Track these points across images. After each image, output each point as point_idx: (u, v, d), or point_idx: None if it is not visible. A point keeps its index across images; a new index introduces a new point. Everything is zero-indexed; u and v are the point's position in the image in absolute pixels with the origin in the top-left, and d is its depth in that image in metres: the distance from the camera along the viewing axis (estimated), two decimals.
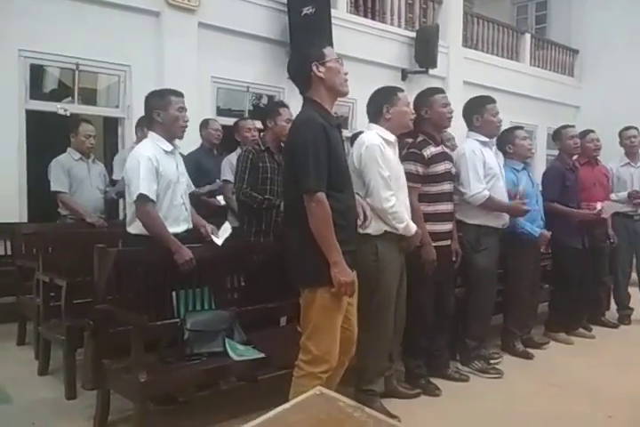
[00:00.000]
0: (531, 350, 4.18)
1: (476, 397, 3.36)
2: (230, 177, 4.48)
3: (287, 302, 3.27)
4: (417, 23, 8.90)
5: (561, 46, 11.65)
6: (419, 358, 3.47)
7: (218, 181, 4.77)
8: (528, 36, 10.98)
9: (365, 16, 8.14)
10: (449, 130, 3.94)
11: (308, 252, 2.34)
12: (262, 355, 2.88)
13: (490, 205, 3.67)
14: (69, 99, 5.88)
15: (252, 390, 3.26)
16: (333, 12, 7.08)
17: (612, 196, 5.15)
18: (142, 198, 2.96)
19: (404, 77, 8.46)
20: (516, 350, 4.15)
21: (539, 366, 3.98)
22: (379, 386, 3.07)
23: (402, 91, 3.12)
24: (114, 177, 5.01)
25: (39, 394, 3.26)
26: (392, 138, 3.03)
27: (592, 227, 4.68)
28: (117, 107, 5.98)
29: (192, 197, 3.44)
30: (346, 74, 2.54)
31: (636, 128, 5.36)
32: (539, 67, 11.08)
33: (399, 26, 8.61)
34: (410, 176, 3.19)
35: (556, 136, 4.68)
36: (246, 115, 6.74)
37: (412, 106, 3.21)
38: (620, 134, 5.44)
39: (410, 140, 3.55)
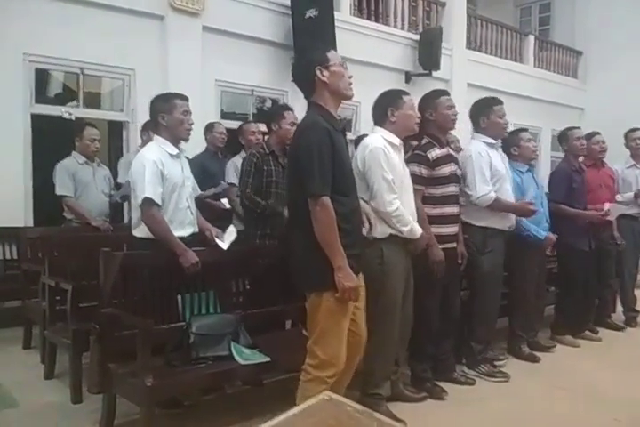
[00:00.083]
0: (537, 353, 4.16)
1: (482, 400, 3.35)
2: (235, 180, 4.49)
3: (292, 306, 3.27)
4: (420, 26, 8.91)
5: (565, 48, 11.64)
6: (424, 362, 3.45)
7: (223, 183, 4.77)
8: (532, 37, 10.97)
9: (369, 19, 8.16)
10: (453, 132, 3.93)
11: (313, 256, 2.34)
12: (268, 359, 2.87)
13: (497, 207, 3.66)
14: (74, 103, 5.90)
15: (257, 393, 3.26)
16: (337, 14, 7.09)
17: (618, 197, 5.13)
18: (147, 202, 2.97)
19: (407, 80, 8.46)
20: (523, 354, 4.14)
21: (545, 369, 3.96)
22: (385, 390, 3.06)
23: (407, 94, 3.12)
24: (119, 180, 5.02)
25: (45, 398, 3.26)
26: (397, 141, 3.02)
27: (598, 229, 4.66)
28: (122, 110, 6.00)
29: (197, 200, 3.45)
30: (350, 77, 2.54)
31: None
32: (542, 68, 11.06)
33: (402, 28, 8.62)
34: (414, 178, 3.18)
35: (562, 138, 4.66)
36: (250, 118, 6.76)
37: (416, 108, 3.20)
38: (626, 136, 5.42)
39: (415, 143, 3.55)
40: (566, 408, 3.27)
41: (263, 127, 4.44)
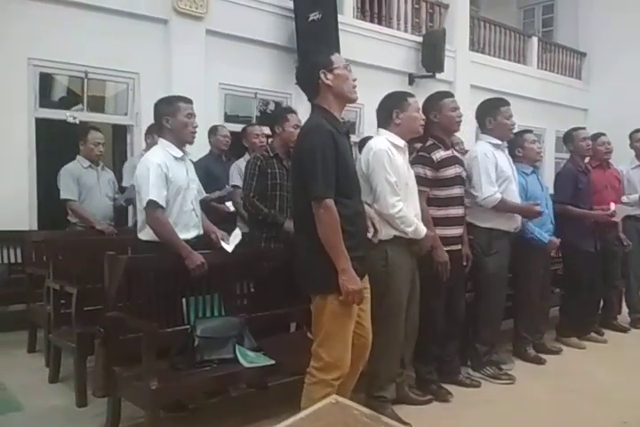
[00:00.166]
0: (542, 356, 4.15)
1: (487, 403, 3.33)
2: (239, 182, 4.49)
3: (297, 308, 3.27)
4: (423, 28, 8.91)
5: (568, 49, 11.62)
6: (429, 364, 3.44)
7: (227, 186, 4.78)
8: (535, 39, 10.96)
9: (372, 21, 8.16)
10: (457, 134, 3.92)
11: (317, 259, 2.33)
12: (272, 362, 2.87)
13: (502, 208, 3.65)
14: (78, 106, 5.92)
15: (262, 396, 3.26)
16: (340, 17, 7.09)
17: (624, 198, 5.11)
18: (152, 204, 2.97)
19: (411, 82, 8.45)
20: (528, 356, 4.12)
21: (551, 372, 3.94)
22: (390, 392, 3.05)
23: (412, 96, 3.11)
24: (123, 184, 5.03)
25: (50, 402, 3.26)
26: (401, 143, 3.02)
27: (604, 230, 4.65)
28: (126, 114, 6.01)
29: (201, 203, 3.45)
30: (354, 80, 2.53)
31: None
32: (546, 70, 11.05)
33: (406, 31, 8.62)
34: (419, 180, 3.18)
35: (568, 138, 4.65)
36: (254, 121, 6.76)
37: (421, 110, 3.20)
38: (631, 136, 5.41)
39: (419, 145, 3.55)
40: (573, 411, 3.25)
41: (267, 130, 4.44)
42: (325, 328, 2.38)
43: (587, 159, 4.70)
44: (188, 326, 2.94)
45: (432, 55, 8.30)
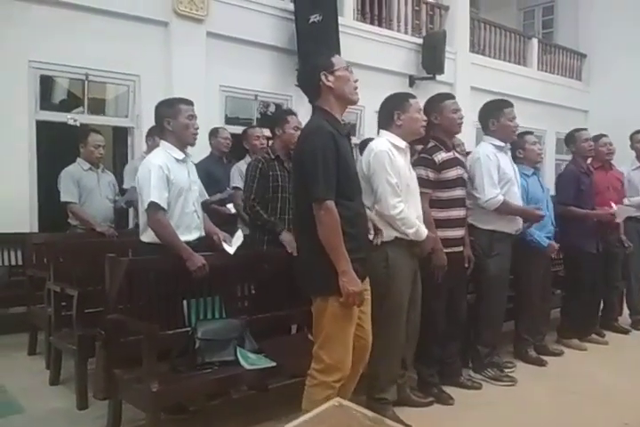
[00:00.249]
0: (544, 357, 4.14)
1: (489, 404, 3.33)
2: (240, 184, 4.48)
3: (298, 310, 3.27)
4: (424, 29, 8.93)
5: (568, 50, 11.63)
6: (431, 366, 3.44)
7: (228, 189, 4.78)
8: (535, 40, 10.98)
9: (372, 23, 8.17)
10: (457, 135, 3.92)
11: (318, 260, 2.33)
12: (273, 364, 2.86)
13: (504, 210, 3.64)
14: (79, 109, 5.92)
15: (263, 398, 3.25)
16: (340, 19, 7.10)
17: (625, 200, 5.10)
18: (153, 206, 2.97)
19: (411, 84, 8.46)
20: (529, 357, 4.11)
21: (552, 373, 3.94)
22: (391, 394, 3.04)
23: (414, 97, 3.11)
24: (124, 187, 5.03)
25: (50, 404, 3.26)
26: (403, 144, 3.01)
27: (605, 232, 4.64)
28: (127, 116, 6.02)
29: (203, 205, 3.45)
30: (356, 81, 2.54)
31: None
32: (546, 71, 11.06)
33: (406, 32, 8.63)
34: (421, 181, 3.17)
35: (570, 139, 4.64)
36: (254, 123, 6.76)
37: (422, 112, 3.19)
38: (632, 138, 5.41)
39: (420, 147, 3.54)
40: (574, 412, 3.25)
41: (267, 132, 4.44)
42: (326, 330, 2.38)
43: (589, 160, 4.70)
44: (188, 329, 2.94)
45: (432, 57, 8.31)
